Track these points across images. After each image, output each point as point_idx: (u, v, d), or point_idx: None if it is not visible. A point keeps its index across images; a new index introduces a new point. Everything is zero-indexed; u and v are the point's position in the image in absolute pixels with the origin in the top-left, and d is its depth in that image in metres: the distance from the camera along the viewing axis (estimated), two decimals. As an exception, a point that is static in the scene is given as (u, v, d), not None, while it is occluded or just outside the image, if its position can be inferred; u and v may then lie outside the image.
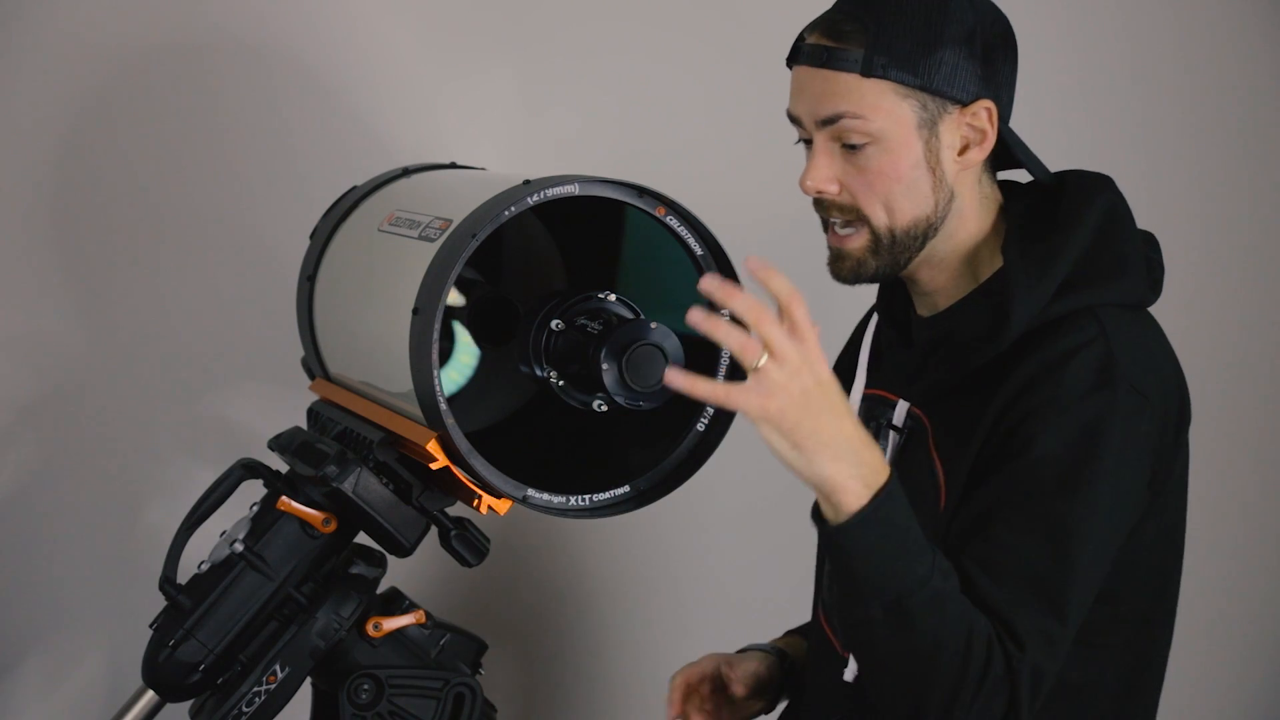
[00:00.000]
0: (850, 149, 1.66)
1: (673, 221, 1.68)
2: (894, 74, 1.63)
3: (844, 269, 1.71)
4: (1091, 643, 1.67)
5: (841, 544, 1.50)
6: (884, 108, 1.64)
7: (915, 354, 1.76)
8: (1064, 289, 1.65)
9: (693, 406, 1.71)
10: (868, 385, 1.82)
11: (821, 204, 1.70)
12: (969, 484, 1.63)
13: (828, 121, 1.65)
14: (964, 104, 1.66)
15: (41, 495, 2.29)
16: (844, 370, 1.87)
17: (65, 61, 2.25)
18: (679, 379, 1.46)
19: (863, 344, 1.84)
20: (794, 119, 1.70)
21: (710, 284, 1.47)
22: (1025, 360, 1.62)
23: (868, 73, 1.63)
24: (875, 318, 1.84)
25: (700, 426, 1.72)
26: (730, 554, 2.60)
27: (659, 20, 2.50)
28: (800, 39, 1.70)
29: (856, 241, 1.69)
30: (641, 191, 1.67)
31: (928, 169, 1.67)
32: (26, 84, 2.24)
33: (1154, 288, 1.72)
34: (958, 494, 1.65)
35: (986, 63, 1.66)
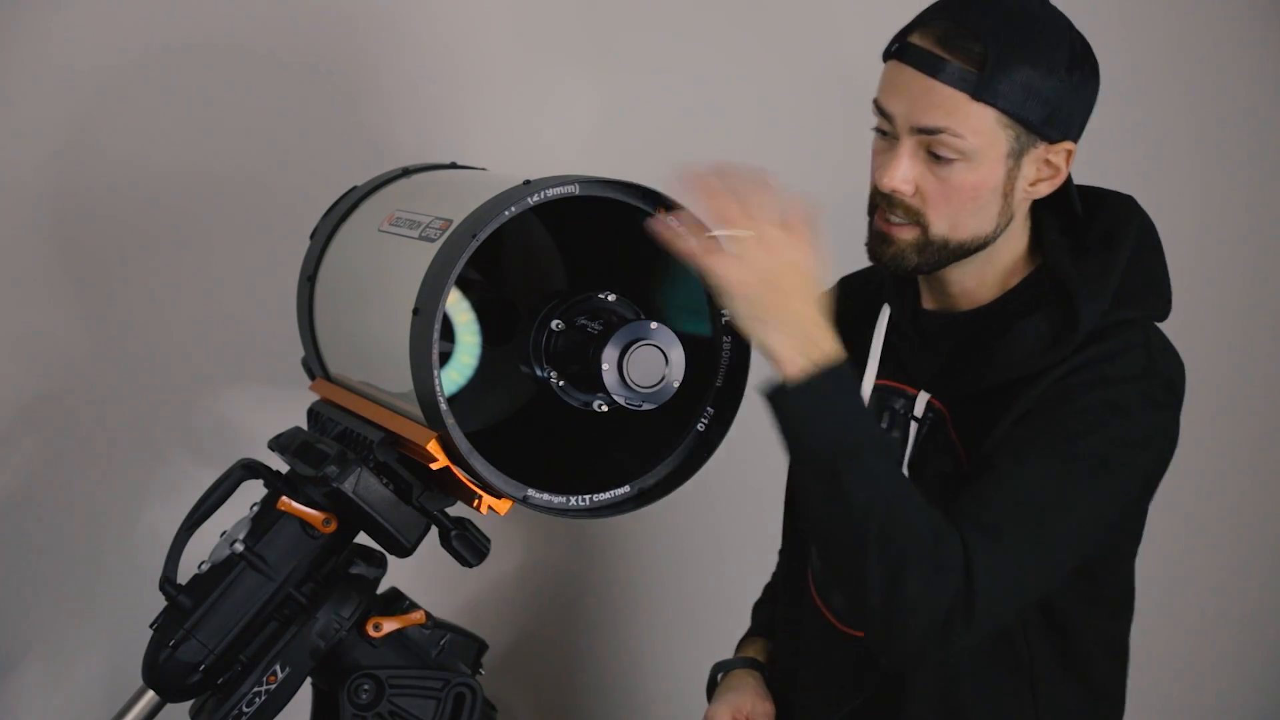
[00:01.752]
0: (936, 158, 1.67)
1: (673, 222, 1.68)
2: (1002, 103, 1.64)
3: (886, 254, 1.72)
4: (1065, 628, 1.76)
5: (778, 407, 1.59)
6: (985, 132, 1.65)
7: (936, 352, 1.79)
8: (1112, 302, 1.71)
9: (693, 406, 1.71)
10: (879, 376, 1.84)
11: (887, 198, 1.70)
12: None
13: (925, 131, 1.66)
14: (1051, 141, 1.69)
15: (41, 495, 2.29)
16: (852, 354, 1.86)
17: (65, 62, 2.25)
18: (659, 227, 1.58)
19: (874, 336, 1.85)
20: (884, 113, 1.70)
21: (687, 179, 1.58)
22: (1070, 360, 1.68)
23: (979, 96, 1.64)
24: (886, 310, 1.86)
25: (700, 427, 1.72)
26: (730, 553, 2.60)
27: (661, 22, 2.50)
28: (906, 35, 1.69)
29: (906, 234, 1.71)
30: (642, 192, 1.67)
31: (1002, 194, 1.69)
32: (26, 85, 2.24)
33: (1170, 304, 1.78)
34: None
35: (1079, 94, 1.68)
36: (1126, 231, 1.74)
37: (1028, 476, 1.63)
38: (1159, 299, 1.76)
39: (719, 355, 1.72)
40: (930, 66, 1.65)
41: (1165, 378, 1.70)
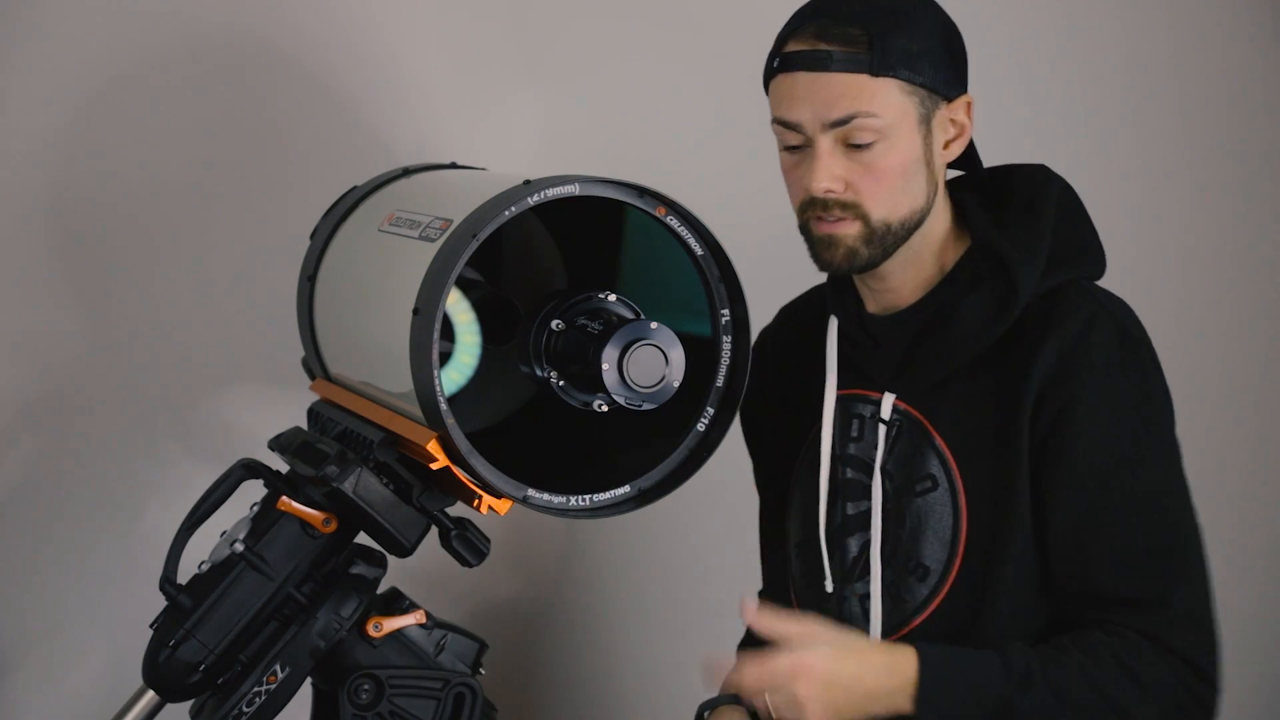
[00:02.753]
0: (855, 147, 1.69)
1: (673, 221, 1.68)
2: (901, 72, 1.67)
3: (836, 256, 1.73)
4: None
5: None
6: (893, 104, 1.68)
7: (891, 351, 1.80)
8: (1047, 266, 1.74)
9: (693, 406, 1.71)
10: (841, 387, 1.85)
11: (818, 202, 1.71)
12: (1034, 476, 1.70)
13: (838, 123, 1.68)
14: (949, 99, 1.73)
15: (41, 495, 2.28)
16: (807, 374, 1.89)
17: (65, 62, 2.25)
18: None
19: (827, 349, 1.87)
20: (789, 125, 1.71)
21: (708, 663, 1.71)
22: (1040, 341, 1.70)
23: (877, 72, 1.67)
24: (834, 321, 1.87)
25: (700, 426, 1.72)
26: (731, 554, 2.59)
27: (660, 20, 2.50)
28: (781, 48, 1.72)
29: (849, 229, 1.71)
30: (641, 191, 1.67)
31: (924, 163, 1.72)
32: (26, 84, 2.24)
33: (1105, 261, 1.81)
34: (996, 479, 1.72)
35: (956, 46, 1.74)
36: (1047, 196, 1.77)
37: (1123, 534, 1.68)
38: (1092, 257, 1.78)
39: (719, 355, 1.72)
40: (821, 62, 1.68)
41: (1146, 344, 1.73)
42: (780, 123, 1.72)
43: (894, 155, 1.69)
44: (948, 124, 1.74)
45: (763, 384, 1.97)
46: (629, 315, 1.69)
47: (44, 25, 2.24)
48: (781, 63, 1.72)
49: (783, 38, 1.73)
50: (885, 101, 1.67)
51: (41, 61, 2.24)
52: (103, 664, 2.31)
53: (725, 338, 1.72)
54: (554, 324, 1.70)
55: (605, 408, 1.68)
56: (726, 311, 1.71)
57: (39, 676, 2.31)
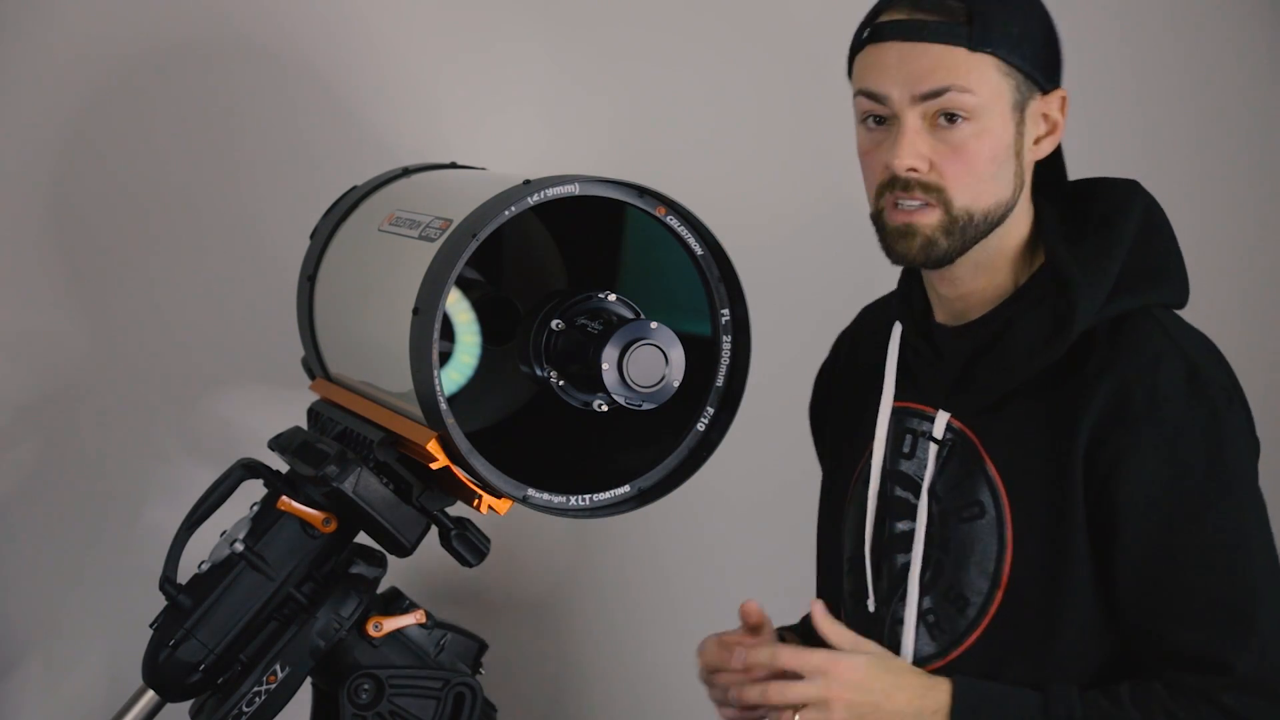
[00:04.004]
0: (944, 127, 1.61)
1: (673, 221, 1.68)
2: (1000, 50, 1.60)
3: (913, 247, 1.64)
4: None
5: None
6: (989, 82, 1.61)
7: (950, 365, 1.72)
8: (1116, 289, 1.64)
9: (693, 406, 1.71)
10: (896, 398, 1.77)
11: (899, 182, 1.63)
12: (1092, 519, 1.62)
13: (930, 96, 1.60)
14: (1045, 91, 1.65)
15: (41, 495, 2.29)
16: (872, 380, 1.82)
17: (65, 62, 2.25)
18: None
19: (888, 356, 1.80)
20: (876, 96, 1.63)
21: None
22: (1102, 373, 1.62)
23: (976, 47, 1.59)
24: (898, 328, 1.80)
25: (700, 426, 1.72)
26: (731, 554, 2.60)
27: (660, 21, 2.50)
28: (875, 18, 1.65)
29: (929, 218, 1.63)
30: (642, 191, 1.67)
31: (1014, 154, 1.64)
32: (27, 84, 2.24)
33: (1187, 289, 1.72)
34: (1047, 513, 1.64)
35: (1053, 36, 1.66)
36: (1126, 213, 1.67)
37: (1186, 587, 1.59)
38: (1170, 283, 1.68)
39: (719, 355, 1.72)
40: (916, 32, 1.61)
41: (1220, 383, 1.62)
42: (866, 94, 1.64)
43: (985, 139, 1.61)
44: (1040, 118, 1.66)
45: (832, 386, 1.92)
46: (629, 315, 1.69)
47: (44, 26, 2.24)
48: (872, 33, 1.64)
49: (875, 10, 1.66)
50: (981, 78, 1.60)
51: (42, 62, 2.24)
52: (103, 664, 2.31)
53: (725, 338, 1.72)
54: (554, 324, 1.70)
55: (605, 407, 1.68)
56: (726, 311, 1.71)
57: (39, 676, 2.31)
